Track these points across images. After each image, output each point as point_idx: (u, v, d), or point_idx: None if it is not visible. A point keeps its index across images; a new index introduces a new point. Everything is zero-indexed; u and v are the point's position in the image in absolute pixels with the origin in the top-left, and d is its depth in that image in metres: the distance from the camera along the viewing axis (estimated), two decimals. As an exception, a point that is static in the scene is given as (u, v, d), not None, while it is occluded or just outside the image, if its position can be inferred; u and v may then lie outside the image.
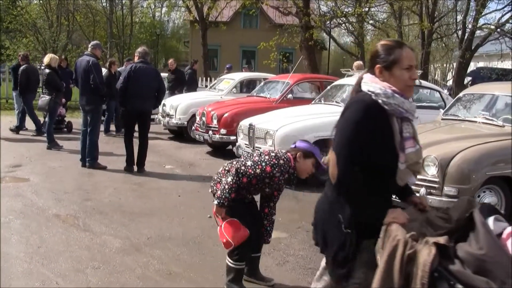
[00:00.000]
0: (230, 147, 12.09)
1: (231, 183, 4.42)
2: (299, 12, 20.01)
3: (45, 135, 12.36)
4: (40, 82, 15.01)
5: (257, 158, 4.56)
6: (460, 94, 8.68)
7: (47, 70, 12.13)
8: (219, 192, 4.48)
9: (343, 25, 26.07)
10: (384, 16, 30.63)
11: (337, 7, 22.49)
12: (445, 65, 51.00)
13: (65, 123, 15.38)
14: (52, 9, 29.89)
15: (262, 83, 14.01)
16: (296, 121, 9.38)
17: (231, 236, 4.49)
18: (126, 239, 6.07)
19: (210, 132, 11.96)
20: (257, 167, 4.46)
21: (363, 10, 22.32)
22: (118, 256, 5.52)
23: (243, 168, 4.46)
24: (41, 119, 13.97)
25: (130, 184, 8.93)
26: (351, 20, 24.93)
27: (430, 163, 6.61)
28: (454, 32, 33.27)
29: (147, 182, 9.14)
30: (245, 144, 9.87)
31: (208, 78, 24.61)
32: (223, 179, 4.56)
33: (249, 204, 4.88)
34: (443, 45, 36.33)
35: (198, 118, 12.76)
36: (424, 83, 11.09)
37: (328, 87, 11.24)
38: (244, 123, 10.01)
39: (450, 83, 34.87)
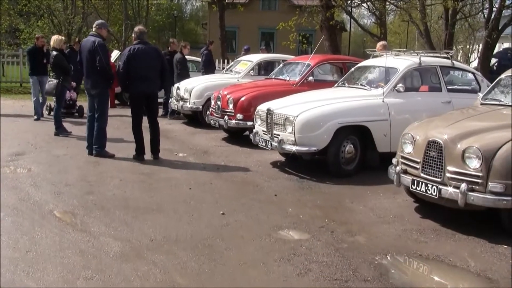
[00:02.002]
0: (247, 132, 11.35)
1: None
2: (319, -10, 19.14)
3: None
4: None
5: None
6: (502, 76, 7.82)
7: (54, 53, 11.47)
8: None
9: (365, 4, 25.09)
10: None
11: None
12: (468, 46, 49.78)
13: (76, 107, 14.82)
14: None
15: (281, 65, 13.21)
16: (318, 106, 8.60)
17: None
18: (126, 241, 5.37)
19: (226, 117, 11.24)
20: None
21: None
22: (115, 263, 4.81)
23: None
24: (52, 103, 13.41)
25: (138, 175, 8.25)
26: (373, -1, 23.95)
27: (472, 155, 5.81)
28: (479, 11, 32.18)
29: (157, 172, 8.45)
30: (263, 130, 9.12)
31: (226, 60, 23.92)
32: None
33: None
34: (467, 25, 35.26)
35: (213, 102, 12.03)
36: (457, 64, 10.23)
37: (352, 69, 10.42)
38: (262, 108, 9.26)
39: (473, 65, 33.72)
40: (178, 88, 14.06)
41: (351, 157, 8.62)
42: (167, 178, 8.08)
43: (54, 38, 11.80)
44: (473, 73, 10.11)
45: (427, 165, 6.29)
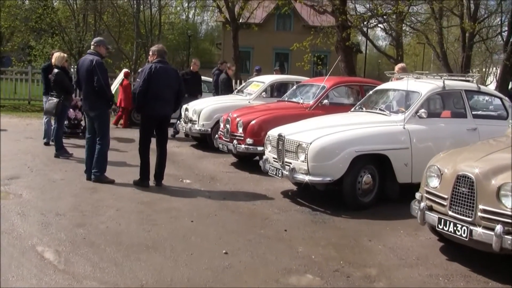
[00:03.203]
0: (257, 158, 10.69)
1: None
2: (335, 10, 18.56)
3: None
4: None
5: None
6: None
7: (55, 70, 10.91)
8: None
9: (382, 25, 24.56)
10: (423, 17, 29.00)
11: (376, 5, 20.99)
12: (484, 69, 49.12)
13: (82, 127, 14.21)
14: (78, 8, 28.90)
15: (294, 87, 12.57)
16: (334, 132, 7.93)
17: None
18: (113, 286, 4.70)
19: (235, 141, 10.60)
20: None
21: (404, 8, 20.79)
22: (96, 316, 4.16)
23: None
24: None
25: (137, 204, 7.60)
26: (390, 19, 23.37)
27: (508, 192, 5.12)
28: (498, 34, 31.60)
29: (157, 201, 7.80)
30: (273, 157, 8.46)
31: (239, 81, 23.39)
32: None
33: None
34: (485, 48, 34.65)
35: (222, 125, 11.40)
36: (483, 88, 9.56)
37: (370, 92, 9.75)
38: (273, 133, 8.61)
39: (490, 88, 32.96)
40: (186, 110, 13.47)
41: (368, 188, 7.94)
42: (168, 209, 7.43)
43: (56, 55, 11.23)
44: (500, 98, 9.40)
45: (456, 202, 5.60)
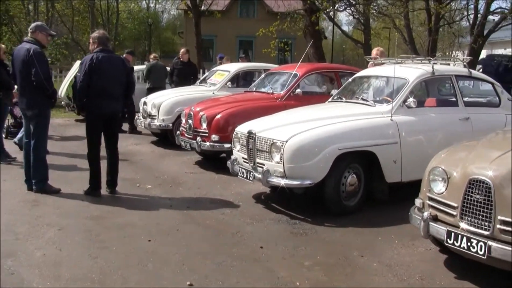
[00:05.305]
0: (224, 155, 9.59)
1: None
2: (302, -7, 17.54)
3: None
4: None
5: None
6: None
7: (-6, 65, 9.59)
8: None
9: (349, 9, 23.55)
10: (389, 1, 28.14)
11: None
12: (452, 52, 48.77)
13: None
14: (28, -4, 27.28)
15: (263, 76, 11.45)
16: (312, 127, 6.86)
17: None
18: None
19: (199, 138, 9.46)
20: None
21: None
22: None
23: None
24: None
25: (85, 220, 6.43)
26: (359, 2, 22.39)
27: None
28: (463, 17, 31.06)
29: (110, 215, 6.64)
30: (243, 158, 7.37)
31: (202, 70, 22.23)
32: None
33: None
34: (450, 31, 34.14)
35: (183, 121, 10.24)
36: (474, 73, 8.58)
37: (350, 80, 8.70)
38: (242, 130, 7.51)
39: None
40: (145, 103, 12.28)
41: (353, 190, 6.91)
42: (121, 225, 6.27)
43: (-9, 48, 9.88)
44: (492, 84, 8.44)
45: (468, 212, 4.61)
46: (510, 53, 31.07)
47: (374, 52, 9.91)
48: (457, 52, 43.05)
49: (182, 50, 14.99)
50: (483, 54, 29.72)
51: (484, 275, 4.91)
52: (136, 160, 10.32)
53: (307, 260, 5.32)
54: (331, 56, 40.86)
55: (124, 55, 13.84)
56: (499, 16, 24.21)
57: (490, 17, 25.09)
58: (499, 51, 34.27)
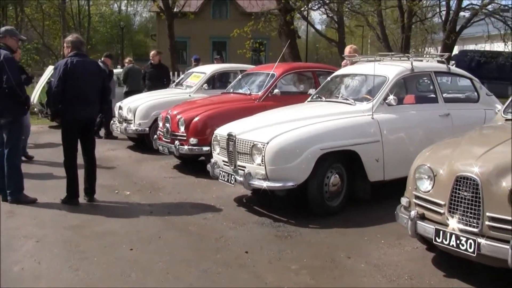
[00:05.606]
0: (203, 158, 9.45)
1: None
2: (276, -7, 17.47)
3: None
4: None
5: None
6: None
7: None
8: None
9: (323, 8, 23.54)
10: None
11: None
12: (425, 49, 49.10)
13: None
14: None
15: (239, 77, 11.32)
16: (293, 128, 6.76)
17: None
18: None
19: (177, 142, 9.30)
20: None
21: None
22: None
23: None
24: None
25: (63, 230, 6.24)
26: (331, 1, 22.40)
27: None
28: (436, 14, 31.27)
29: (89, 224, 6.46)
30: (223, 161, 7.24)
31: (176, 73, 22.02)
32: None
33: None
34: (423, 28, 34.34)
35: (161, 124, 10.07)
36: (453, 69, 8.55)
37: (328, 79, 8.63)
38: (221, 132, 7.38)
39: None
40: (120, 108, 12.08)
41: (336, 190, 6.83)
42: (101, 234, 6.10)
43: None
44: (470, 79, 8.44)
45: (456, 209, 4.54)
46: (481, 49, 31.47)
47: (347, 49, 9.83)
48: (429, 48, 43.39)
49: (153, 52, 14.73)
50: (455, 50, 30.04)
51: (473, 272, 4.85)
52: (113, 166, 10.13)
53: (293, 264, 5.22)
54: (306, 55, 40.88)
55: (102, 58, 13.73)
56: (470, 12, 24.40)
57: (462, 13, 25.29)
58: (471, 47, 34.66)
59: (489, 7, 22.95)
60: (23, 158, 9.42)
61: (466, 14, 25.18)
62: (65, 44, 7.35)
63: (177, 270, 5.02)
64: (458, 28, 24.37)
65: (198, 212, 7.02)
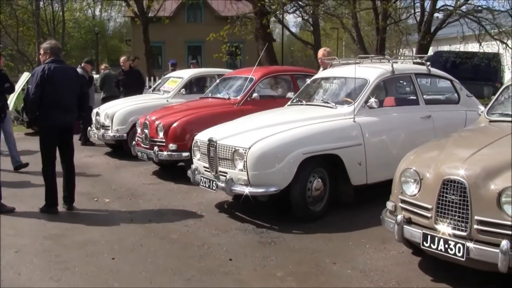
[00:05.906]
0: (182, 163, 9.34)
1: None
2: (252, -4, 17.40)
3: None
4: None
5: None
6: (508, 84, 6.14)
7: None
8: None
9: (298, 11, 23.56)
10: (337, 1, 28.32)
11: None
12: (399, 50, 49.44)
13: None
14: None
15: (217, 81, 11.23)
16: (275, 132, 6.68)
17: None
18: None
19: (156, 148, 9.17)
20: None
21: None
22: None
23: None
24: None
25: (43, 239, 6.08)
26: (308, 3, 22.41)
27: (513, 199, 4.07)
28: (410, 15, 31.49)
29: (68, 233, 6.31)
30: (204, 167, 7.14)
31: (152, 78, 21.86)
32: None
33: None
34: (398, 30, 34.57)
35: (139, 130, 9.93)
36: (433, 70, 8.54)
37: (308, 82, 8.58)
38: (201, 138, 7.28)
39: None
40: (97, 114, 11.90)
41: (319, 195, 6.76)
42: (82, 242, 5.96)
43: None
44: (451, 80, 8.45)
45: (443, 213, 4.50)
46: (456, 50, 31.74)
47: (321, 52, 9.76)
48: (404, 50, 43.69)
49: (122, 58, 14.47)
50: (430, 51, 30.23)
51: (461, 276, 4.82)
52: (91, 173, 9.95)
53: (279, 271, 5.14)
54: (282, 58, 40.91)
55: (82, 64, 13.57)
56: (444, 14, 24.62)
57: (436, 14, 25.50)
58: (445, 48, 34.92)
59: (463, 8, 23.15)
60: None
61: (441, 15, 25.38)
62: (41, 51, 7.21)
63: (160, 279, 4.91)
64: (433, 29, 24.53)
65: (180, 219, 6.90)
